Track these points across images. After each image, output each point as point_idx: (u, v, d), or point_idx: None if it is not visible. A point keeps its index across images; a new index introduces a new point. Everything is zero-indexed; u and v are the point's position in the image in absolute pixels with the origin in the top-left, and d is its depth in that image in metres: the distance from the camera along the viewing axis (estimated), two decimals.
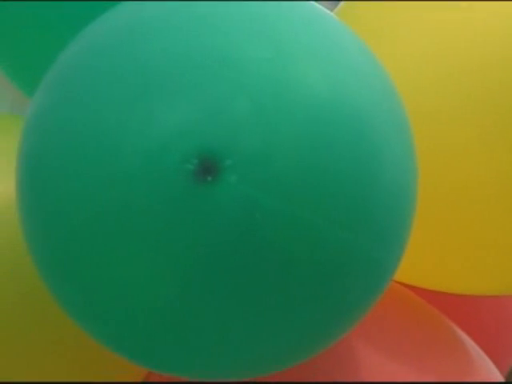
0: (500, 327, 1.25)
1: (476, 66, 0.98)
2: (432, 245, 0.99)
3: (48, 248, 0.84)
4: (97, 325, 0.86)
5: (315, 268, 0.81)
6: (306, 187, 0.78)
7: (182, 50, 0.80)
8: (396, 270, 0.88)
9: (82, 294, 0.84)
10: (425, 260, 0.99)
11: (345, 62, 0.83)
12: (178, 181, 0.76)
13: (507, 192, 0.98)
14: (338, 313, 0.86)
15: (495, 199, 1.00)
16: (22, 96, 1.16)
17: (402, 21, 1.03)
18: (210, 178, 0.76)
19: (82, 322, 0.87)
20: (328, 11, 0.92)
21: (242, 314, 0.81)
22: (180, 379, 0.97)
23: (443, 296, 1.10)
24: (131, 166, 0.77)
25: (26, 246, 0.87)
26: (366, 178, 0.81)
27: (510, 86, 0.97)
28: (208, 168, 0.76)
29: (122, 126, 0.78)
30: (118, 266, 0.80)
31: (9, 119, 1.16)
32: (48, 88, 0.86)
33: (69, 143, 0.81)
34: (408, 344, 1.06)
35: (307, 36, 0.83)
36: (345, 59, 0.84)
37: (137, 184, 0.77)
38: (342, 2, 1.12)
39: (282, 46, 0.81)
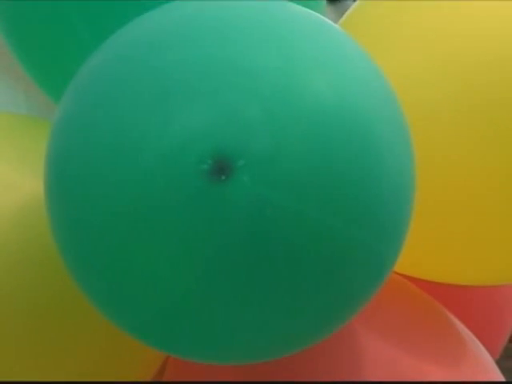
0: (490, 314, 1.25)
1: (470, 72, 0.98)
2: (428, 240, 0.99)
3: (74, 242, 0.85)
4: (120, 313, 0.86)
5: (321, 260, 0.81)
6: (312, 186, 0.78)
7: (198, 59, 0.80)
8: (395, 262, 0.88)
9: (107, 284, 0.84)
10: (422, 254, 0.99)
11: (348, 71, 0.84)
12: (194, 180, 0.77)
13: (499, 190, 0.98)
14: (343, 301, 0.86)
15: (487, 198, 1.00)
16: (37, 98, 1.16)
17: (402, 33, 1.03)
18: (223, 177, 0.77)
19: (105, 310, 0.87)
20: (333, 23, 0.92)
21: (254, 302, 0.81)
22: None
23: (438, 286, 1.10)
24: (152, 166, 0.77)
25: (53, 241, 0.87)
26: (369, 178, 0.81)
27: (504, 91, 0.96)
28: (222, 168, 0.77)
29: (144, 129, 0.78)
30: (140, 258, 0.80)
31: (27, 120, 1.15)
32: (73, 94, 0.86)
33: (94, 145, 0.81)
34: (406, 329, 1.06)
35: (314, 47, 0.84)
36: (349, 68, 0.84)
37: (157, 182, 0.77)
38: (345, 14, 1.12)
39: (290, 56, 0.81)
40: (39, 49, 1.05)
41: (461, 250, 1.05)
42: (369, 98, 0.83)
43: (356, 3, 1.13)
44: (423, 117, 0.96)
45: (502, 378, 1.09)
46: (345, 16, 1.12)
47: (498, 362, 1.13)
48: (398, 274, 1.06)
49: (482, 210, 1.01)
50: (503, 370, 1.10)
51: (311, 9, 0.91)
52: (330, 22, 0.91)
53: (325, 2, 1.09)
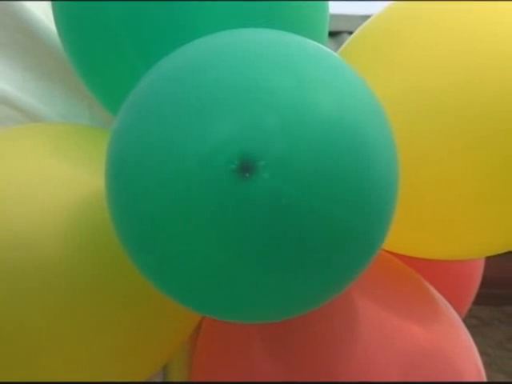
0: (458, 283, 1.25)
1: (444, 90, 0.98)
2: (410, 224, 0.99)
3: (130, 228, 0.85)
4: (169, 284, 0.86)
5: (325, 239, 0.81)
6: (319, 181, 0.78)
7: (229, 80, 0.80)
8: (384, 241, 0.88)
9: (158, 261, 0.84)
10: (404, 234, 0.99)
11: (347, 91, 0.84)
12: (225, 177, 0.77)
13: (467, 183, 0.98)
14: (341, 272, 0.87)
15: (456, 191, 1.00)
16: (99, 112, 1.16)
17: (388, 61, 1.03)
18: (248, 175, 0.77)
19: (156, 282, 0.87)
20: (334, 52, 0.92)
21: (272, 271, 0.82)
22: None
23: (417, 260, 1.10)
24: (192, 166, 0.78)
25: (112, 226, 0.87)
26: (363, 175, 0.81)
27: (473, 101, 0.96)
28: (246, 167, 0.77)
29: (185, 137, 0.79)
30: (185, 238, 0.81)
31: (90, 129, 1.15)
32: (128, 108, 0.87)
33: (145, 150, 0.82)
34: (392, 295, 1.06)
35: (320, 71, 0.84)
36: (347, 88, 0.84)
37: (196, 179, 0.78)
38: (344, 45, 1.12)
39: (301, 78, 0.81)
40: (100, 72, 1.05)
41: (435, 232, 1.05)
42: (363, 113, 0.83)
43: (351, 37, 1.13)
44: (405, 125, 0.95)
45: (467, 333, 1.09)
46: (342, 47, 1.12)
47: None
48: (385, 250, 1.05)
49: (451, 201, 1.01)
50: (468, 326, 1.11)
51: (316, 41, 0.91)
52: (331, 51, 0.91)
53: (327, 36, 1.09)
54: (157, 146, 0.80)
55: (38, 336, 0.96)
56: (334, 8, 1.10)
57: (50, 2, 1.07)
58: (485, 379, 1.08)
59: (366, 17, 1.13)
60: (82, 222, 0.97)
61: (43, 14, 1.15)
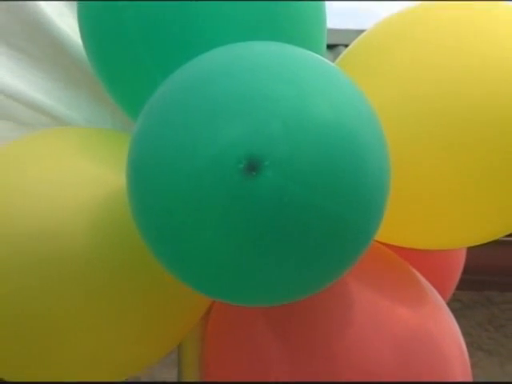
0: (443, 270, 1.25)
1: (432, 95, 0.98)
2: (399, 219, 0.99)
3: (149, 220, 0.86)
4: (185, 271, 0.87)
5: (323, 231, 0.81)
6: (318, 179, 0.79)
7: (237, 89, 0.80)
8: (376, 233, 0.88)
9: (173, 250, 0.85)
10: (394, 227, 0.99)
11: (344, 99, 0.84)
12: (233, 175, 0.77)
13: (453, 179, 0.99)
14: (338, 261, 0.87)
15: (444, 188, 0.99)
16: (120, 117, 1.16)
17: (381, 71, 1.03)
18: (254, 173, 0.77)
19: (174, 270, 0.87)
20: (331, 63, 0.92)
21: (276, 261, 0.82)
22: None
23: (405, 249, 1.09)
24: (204, 166, 0.78)
25: (132, 219, 0.87)
26: (358, 173, 0.81)
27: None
28: (253, 166, 0.77)
29: (198, 139, 0.79)
30: (198, 229, 0.81)
31: (113, 133, 1.15)
32: (147, 114, 0.87)
33: (161, 151, 0.82)
34: (383, 280, 1.06)
35: (318, 80, 0.84)
36: (344, 96, 0.84)
37: (208, 177, 0.78)
38: (340, 56, 1.11)
39: (302, 87, 0.81)
40: (121, 82, 1.05)
41: (422, 225, 1.05)
42: (358, 118, 0.84)
43: (346, 49, 1.12)
44: (396, 129, 0.95)
45: (451, 315, 1.08)
46: (339, 58, 1.12)
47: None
48: (377, 241, 1.05)
49: (437, 198, 1.01)
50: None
51: (315, 53, 0.91)
52: (329, 62, 0.91)
53: (325, 48, 1.09)
54: (173, 148, 0.80)
55: (68, 317, 0.96)
56: (331, 23, 1.10)
57: (76, 20, 1.07)
58: (467, 356, 1.08)
59: (360, 31, 1.13)
60: (106, 216, 0.97)
61: (71, 31, 1.15)
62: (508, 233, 1.06)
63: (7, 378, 1.02)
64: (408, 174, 0.97)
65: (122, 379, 1.11)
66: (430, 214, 1.02)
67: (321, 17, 1.07)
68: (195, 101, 0.81)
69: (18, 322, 0.95)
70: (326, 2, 1.08)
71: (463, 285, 1.31)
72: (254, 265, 0.82)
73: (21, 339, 0.96)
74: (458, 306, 3.05)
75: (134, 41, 0.98)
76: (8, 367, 1.01)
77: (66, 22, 1.17)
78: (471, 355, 1.09)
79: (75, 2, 1.07)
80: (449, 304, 1.12)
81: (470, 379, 1.07)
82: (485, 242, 1.07)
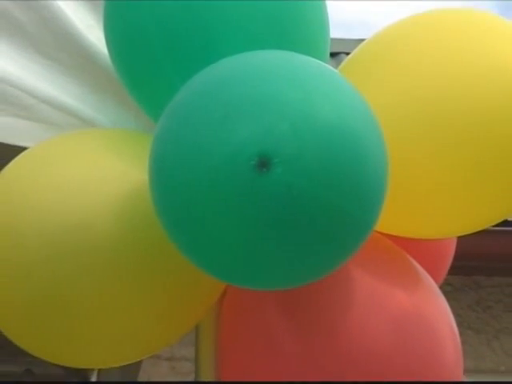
0: (436, 257, 1.24)
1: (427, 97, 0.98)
2: (397, 210, 0.99)
3: (169, 213, 0.86)
4: (201, 258, 0.87)
5: (328, 222, 0.81)
6: (323, 175, 0.79)
7: (249, 93, 0.80)
8: (375, 223, 0.88)
9: (191, 239, 0.85)
10: (392, 219, 0.98)
11: (346, 101, 0.84)
12: (246, 171, 0.77)
13: (446, 175, 0.99)
14: (341, 249, 0.87)
15: (437, 183, 0.99)
16: (143, 120, 1.16)
17: (380, 76, 1.03)
18: (264, 170, 0.77)
19: (190, 256, 0.87)
20: (334, 69, 0.92)
21: (286, 249, 0.82)
22: None
23: (402, 238, 1.09)
24: (219, 163, 0.78)
25: (155, 211, 0.88)
26: (359, 169, 0.81)
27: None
28: (263, 164, 0.77)
29: (213, 139, 0.79)
30: (212, 222, 0.81)
31: (136, 134, 1.15)
32: (168, 116, 0.87)
33: (181, 150, 0.82)
34: (382, 267, 1.05)
35: (323, 85, 0.84)
36: (346, 99, 0.84)
37: (223, 173, 0.78)
38: (342, 63, 1.11)
39: (308, 91, 0.81)
40: (144, 87, 1.06)
41: (417, 217, 1.05)
42: (359, 119, 0.83)
43: (348, 57, 1.12)
44: (393, 129, 0.95)
45: (443, 298, 1.08)
46: (341, 65, 1.12)
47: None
48: (376, 231, 1.05)
49: (431, 192, 1.01)
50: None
51: (320, 60, 0.91)
52: (332, 68, 0.91)
53: (328, 56, 1.09)
54: (191, 147, 0.80)
55: (98, 300, 0.96)
56: (333, 33, 1.10)
57: (103, 32, 1.07)
58: (457, 334, 1.07)
59: (361, 40, 1.13)
60: (130, 209, 0.97)
61: (98, 42, 1.15)
62: (494, 223, 1.06)
63: (46, 357, 1.03)
64: (404, 172, 0.97)
65: (146, 356, 1.11)
66: (425, 207, 1.03)
67: (324, 28, 1.06)
68: (211, 104, 0.81)
69: (56, 304, 0.96)
70: (329, 14, 1.08)
71: (454, 270, 1.31)
72: (265, 252, 0.82)
73: (57, 320, 0.96)
74: (449, 289, 3.04)
75: (156, 50, 0.98)
76: (47, 346, 1.01)
77: (93, 34, 1.17)
78: (461, 333, 1.09)
79: (102, 16, 1.07)
80: (441, 287, 1.12)
81: (461, 355, 1.07)
82: (473, 231, 1.07)
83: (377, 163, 0.84)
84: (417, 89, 0.99)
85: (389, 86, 1.02)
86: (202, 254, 0.86)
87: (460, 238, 1.20)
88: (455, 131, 0.97)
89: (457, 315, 1.08)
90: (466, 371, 1.09)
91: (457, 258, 1.30)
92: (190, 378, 1.20)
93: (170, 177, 0.83)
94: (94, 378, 2.41)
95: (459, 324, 1.08)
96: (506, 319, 3.27)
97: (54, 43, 1.16)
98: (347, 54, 1.16)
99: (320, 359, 0.97)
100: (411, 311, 1.01)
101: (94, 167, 1.01)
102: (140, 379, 2.52)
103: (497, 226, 1.07)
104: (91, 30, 1.18)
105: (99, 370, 2.30)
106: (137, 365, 2.02)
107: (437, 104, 0.97)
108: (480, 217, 1.06)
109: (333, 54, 2.69)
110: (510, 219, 2.65)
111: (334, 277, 0.91)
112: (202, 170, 0.79)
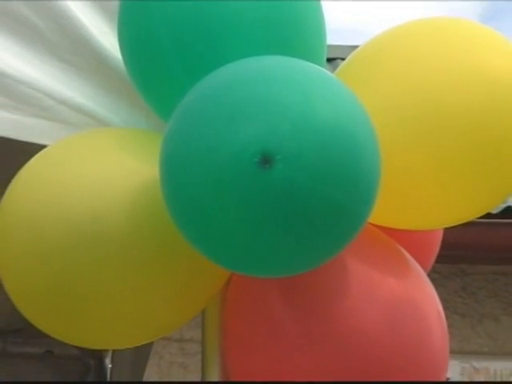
0: (424, 246, 1.25)
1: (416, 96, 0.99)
2: (388, 205, 0.99)
3: (178, 207, 0.86)
4: (208, 248, 0.88)
5: (325, 214, 0.82)
6: (321, 171, 0.79)
7: (252, 95, 0.81)
8: (369, 216, 0.88)
9: (199, 231, 0.86)
10: (384, 211, 0.99)
11: (343, 103, 0.84)
12: (250, 168, 0.78)
13: (433, 171, 1.00)
14: (337, 239, 0.87)
15: (426, 179, 1.00)
16: (154, 119, 1.16)
17: (374, 80, 1.04)
18: (267, 166, 0.78)
19: (198, 246, 0.88)
20: (331, 74, 0.92)
21: (287, 240, 0.83)
22: None
23: (393, 229, 1.10)
24: (225, 160, 0.79)
25: (165, 205, 0.88)
26: (354, 167, 0.82)
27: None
28: (266, 160, 0.78)
29: (219, 138, 0.80)
30: (219, 215, 0.82)
31: (148, 133, 1.15)
32: (177, 117, 0.87)
33: (189, 148, 0.83)
34: (374, 256, 1.06)
35: (321, 88, 0.85)
36: (343, 101, 0.85)
37: (228, 170, 0.79)
38: (338, 68, 1.11)
39: (307, 94, 0.82)
40: (155, 89, 1.06)
41: (407, 210, 1.06)
42: (354, 119, 0.84)
43: (344, 62, 1.12)
44: (386, 129, 0.95)
45: (430, 285, 1.09)
46: (337, 70, 1.12)
47: None
48: (369, 223, 1.05)
49: (419, 187, 1.02)
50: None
51: (317, 65, 0.92)
52: (330, 73, 0.91)
53: (325, 61, 1.09)
54: (198, 146, 0.81)
55: (114, 286, 0.97)
56: (330, 40, 1.10)
57: (116, 37, 1.08)
58: (444, 319, 1.08)
59: (355, 47, 1.13)
60: (142, 203, 0.97)
61: (111, 46, 1.15)
62: (478, 216, 1.07)
63: (65, 339, 1.04)
64: (395, 169, 0.97)
65: (157, 338, 1.12)
66: (414, 201, 1.04)
67: (322, 35, 1.07)
68: (217, 106, 0.82)
69: (74, 290, 0.96)
70: (326, 21, 1.08)
71: (441, 259, 1.31)
72: (268, 242, 0.83)
73: (74, 305, 0.97)
74: (436, 277, 3.05)
75: (166, 55, 0.98)
76: (66, 329, 1.02)
77: (107, 39, 1.17)
78: (447, 318, 1.09)
79: (115, 23, 1.07)
80: (429, 275, 1.12)
81: (447, 337, 1.08)
82: (459, 223, 1.08)
83: (370, 160, 0.85)
84: (407, 91, 1.00)
85: (382, 89, 1.02)
86: (210, 244, 0.86)
87: (446, 229, 1.21)
88: (444, 132, 0.98)
89: (444, 300, 1.09)
90: (452, 352, 1.10)
91: (444, 247, 1.30)
92: (198, 358, 1.20)
93: (179, 173, 0.84)
94: (108, 358, 2.42)
95: (446, 308, 1.09)
96: (489, 304, 3.28)
97: (69, 47, 1.16)
98: (343, 59, 1.16)
99: (317, 340, 0.98)
100: (401, 297, 1.02)
101: (107, 164, 1.01)
102: (151, 359, 2.53)
103: (481, 218, 1.08)
104: (105, 37, 1.18)
105: (113, 351, 2.32)
106: (148, 346, 2.02)
107: (425, 106, 0.98)
108: (465, 210, 1.07)
109: (329, 60, 2.70)
110: (492, 212, 2.67)
111: (330, 265, 0.92)
112: (209, 166, 0.80)
